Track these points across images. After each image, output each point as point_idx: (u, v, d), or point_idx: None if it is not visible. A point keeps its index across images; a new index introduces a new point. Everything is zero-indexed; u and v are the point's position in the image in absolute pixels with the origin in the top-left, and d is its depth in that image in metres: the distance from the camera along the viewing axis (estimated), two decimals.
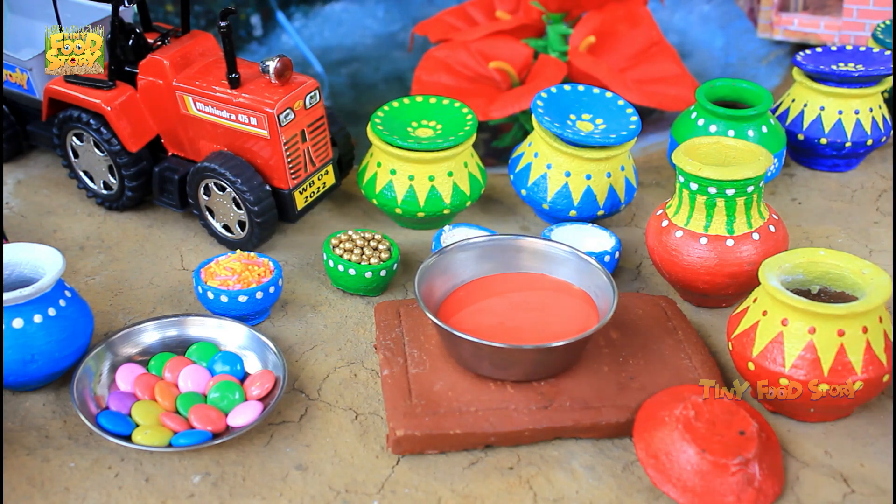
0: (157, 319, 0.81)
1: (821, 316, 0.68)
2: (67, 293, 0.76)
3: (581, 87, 0.97)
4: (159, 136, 0.96)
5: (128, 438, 0.70)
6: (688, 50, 1.48)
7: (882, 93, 1.05)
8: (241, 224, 0.92)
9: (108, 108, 0.92)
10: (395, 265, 0.87)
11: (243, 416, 0.72)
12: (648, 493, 0.68)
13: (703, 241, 0.81)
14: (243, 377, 0.77)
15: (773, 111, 1.07)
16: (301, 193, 0.92)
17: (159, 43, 0.93)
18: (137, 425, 0.72)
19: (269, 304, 0.83)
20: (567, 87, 0.97)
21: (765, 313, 0.72)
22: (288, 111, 0.88)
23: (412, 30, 1.41)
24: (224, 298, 0.81)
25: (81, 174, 1.00)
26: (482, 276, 0.81)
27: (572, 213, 0.93)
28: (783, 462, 0.70)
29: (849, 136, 1.02)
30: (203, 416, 0.72)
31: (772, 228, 0.82)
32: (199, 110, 0.91)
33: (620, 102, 0.96)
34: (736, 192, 0.80)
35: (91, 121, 0.93)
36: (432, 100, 1.00)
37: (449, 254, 0.80)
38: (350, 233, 0.88)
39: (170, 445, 0.70)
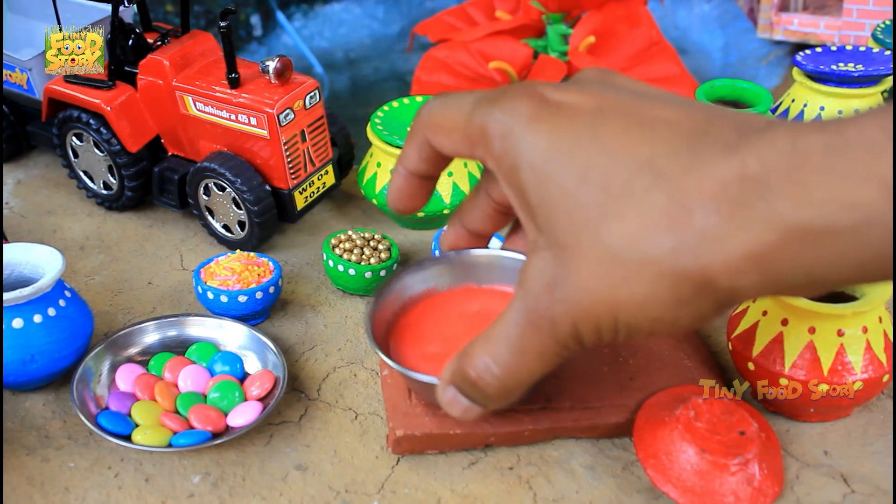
0: (156, 319, 0.81)
1: (821, 316, 0.68)
2: (67, 293, 0.76)
3: None
4: (159, 136, 0.96)
5: (128, 438, 0.70)
6: (688, 50, 1.48)
7: (882, 93, 1.05)
8: (241, 224, 0.92)
9: (108, 108, 0.92)
10: (395, 265, 0.87)
11: (243, 416, 0.72)
12: (648, 493, 0.68)
13: None
14: (243, 377, 0.77)
15: (773, 111, 1.07)
16: (301, 193, 0.92)
17: (159, 43, 0.93)
18: (137, 425, 0.72)
19: (269, 304, 0.83)
20: None
21: (765, 313, 0.72)
22: (288, 111, 0.88)
23: (412, 30, 1.41)
24: (224, 298, 0.81)
25: (81, 174, 1.00)
26: (431, 296, 0.73)
27: None
28: (783, 462, 0.70)
29: None
30: (203, 416, 0.72)
31: None
32: (198, 110, 0.91)
33: None
34: None
35: (91, 121, 0.93)
36: None
37: (396, 282, 0.72)
38: (350, 233, 0.88)
39: (169, 445, 0.70)
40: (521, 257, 0.69)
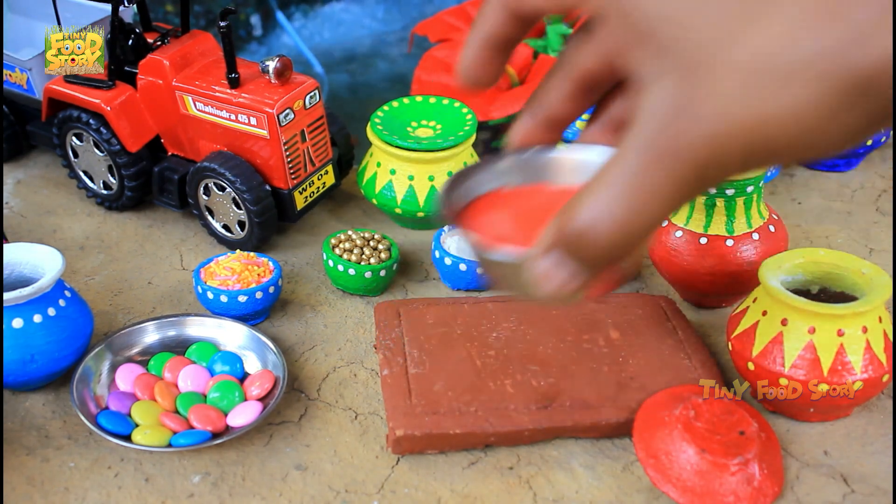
0: (156, 319, 0.81)
1: (821, 316, 0.68)
2: (67, 293, 0.76)
3: None
4: (159, 135, 0.96)
5: (127, 438, 0.70)
6: None
7: None
8: (241, 224, 0.92)
9: (108, 108, 0.92)
10: (395, 265, 0.87)
11: (243, 416, 0.72)
12: (648, 493, 0.68)
13: (703, 241, 0.81)
14: (243, 377, 0.77)
15: None
16: (301, 193, 0.92)
17: (159, 43, 0.93)
18: (137, 425, 0.72)
19: (269, 304, 0.83)
20: None
21: (765, 313, 0.72)
22: (287, 111, 0.88)
23: (412, 30, 1.41)
24: (224, 298, 0.81)
25: (81, 174, 1.00)
26: (499, 194, 0.63)
27: None
28: (783, 462, 0.70)
29: None
30: (203, 415, 0.72)
31: (772, 228, 0.82)
32: (198, 110, 0.91)
33: None
34: (736, 192, 0.80)
35: (91, 121, 0.93)
36: (432, 100, 1.00)
37: (462, 181, 0.62)
38: (350, 233, 0.88)
39: (169, 445, 0.70)
40: (604, 151, 0.59)
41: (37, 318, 0.73)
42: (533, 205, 0.61)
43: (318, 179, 0.94)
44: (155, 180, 0.96)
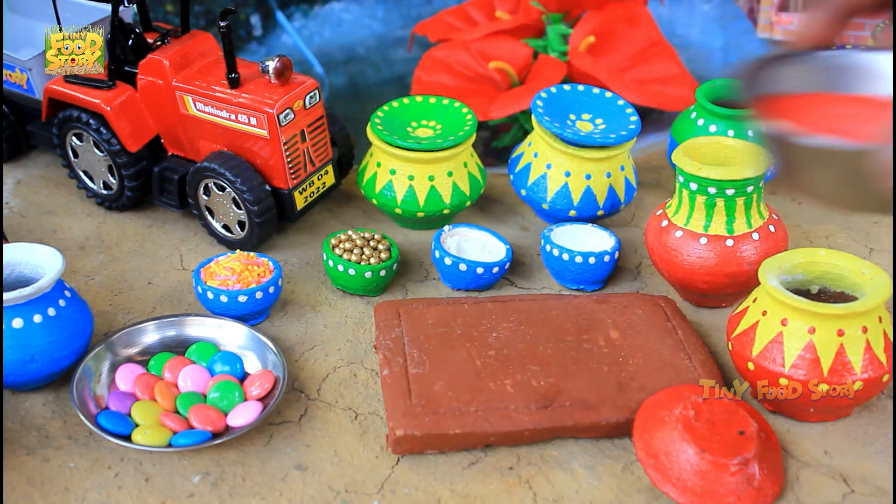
0: (156, 319, 0.81)
1: (820, 316, 0.68)
2: (67, 293, 0.76)
3: (581, 87, 0.97)
4: (159, 135, 0.96)
5: (127, 438, 0.70)
6: (688, 50, 1.48)
7: None
8: (241, 224, 0.92)
9: (108, 108, 0.92)
10: (395, 265, 0.87)
11: (243, 416, 0.72)
12: (648, 493, 0.68)
13: (703, 241, 0.81)
14: (243, 377, 0.77)
15: None
16: (301, 193, 0.92)
17: (159, 43, 0.93)
18: (137, 425, 0.72)
19: (269, 304, 0.83)
20: (567, 87, 0.97)
21: (764, 313, 0.72)
22: (288, 111, 0.88)
23: (412, 30, 1.41)
24: (224, 298, 0.81)
25: (81, 174, 1.00)
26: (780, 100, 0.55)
27: (572, 213, 0.93)
28: (783, 462, 0.70)
29: None
30: (203, 416, 0.72)
31: (772, 228, 0.82)
32: (198, 110, 0.91)
33: (620, 102, 0.96)
34: (736, 192, 0.80)
35: (91, 121, 0.93)
36: (432, 100, 1.00)
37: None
38: (350, 233, 0.88)
39: (169, 445, 0.70)
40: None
41: (37, 319, 0.73)
42: (839, 111, 0.54)
43: (318, 179, 0.94)
44: (155, 180, 0.96)
